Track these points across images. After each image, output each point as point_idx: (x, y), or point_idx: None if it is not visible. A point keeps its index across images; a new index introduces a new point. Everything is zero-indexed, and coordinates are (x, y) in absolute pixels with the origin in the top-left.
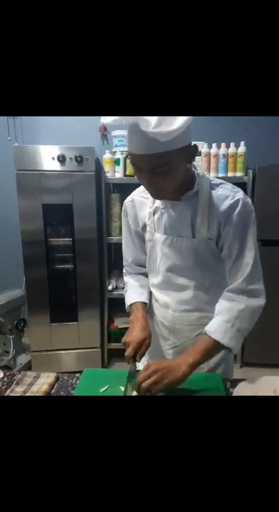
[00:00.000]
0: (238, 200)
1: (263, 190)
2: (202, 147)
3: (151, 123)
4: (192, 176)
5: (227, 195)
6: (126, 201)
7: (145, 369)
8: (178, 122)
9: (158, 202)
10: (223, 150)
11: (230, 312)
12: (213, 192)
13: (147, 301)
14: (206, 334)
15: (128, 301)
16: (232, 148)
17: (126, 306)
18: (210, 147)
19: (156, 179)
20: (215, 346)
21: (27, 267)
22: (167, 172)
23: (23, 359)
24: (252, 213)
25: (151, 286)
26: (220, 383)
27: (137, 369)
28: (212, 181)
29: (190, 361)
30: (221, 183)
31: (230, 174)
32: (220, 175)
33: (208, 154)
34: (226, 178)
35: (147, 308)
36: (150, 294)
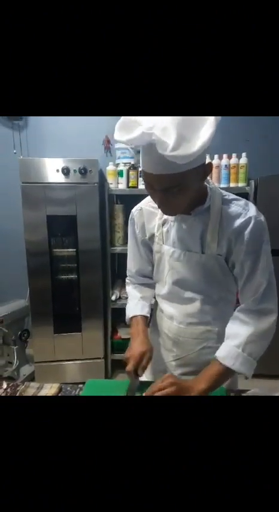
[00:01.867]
0: (250, 218)
1: (264, 200)
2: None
3: (168, 145)
4: (204, 191)
5: (240, 213)
6: (133, 209)
7: (162, 380)
8: (198, 143)
9: None
10: (224, 161)
11: (240, 337)
12: (225, 207)
13: (149, 315)
14: (216, 360)
15: (129, 313)
16: (233, 159)
17: (126, 318)
18: (212, 158)
19: (168, 197)
20: (227, 372)
21: (31, 278)
22: (180, 191)
23: (26, 370)
24: (265, 231)
25: (157, 296)
26: (223, 394)
27: (139, 381)
28: (225, 196)
29: (203, 388)
30: (233, 199)
31: (232, 185)
32: (222, 185)
33: None
34: (228, 189)
35: (149, 321)
36: (155, 304)
